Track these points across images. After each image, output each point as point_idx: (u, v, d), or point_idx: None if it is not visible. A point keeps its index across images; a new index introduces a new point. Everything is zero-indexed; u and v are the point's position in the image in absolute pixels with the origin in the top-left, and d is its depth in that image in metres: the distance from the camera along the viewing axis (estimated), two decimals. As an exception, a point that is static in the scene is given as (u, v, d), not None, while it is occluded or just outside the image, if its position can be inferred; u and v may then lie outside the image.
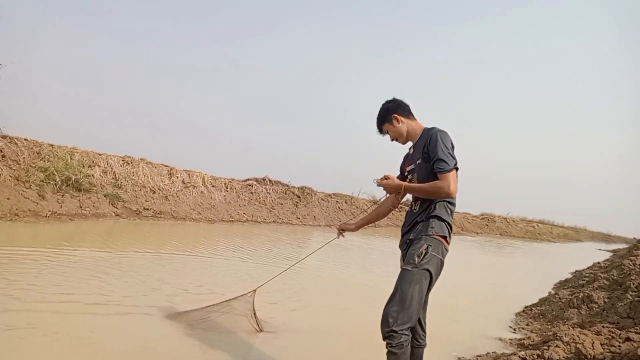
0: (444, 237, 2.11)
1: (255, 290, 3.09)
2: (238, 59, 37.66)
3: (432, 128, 2.24)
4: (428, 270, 2.05)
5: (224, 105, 34.23)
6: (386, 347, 2.01)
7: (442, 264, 2.12)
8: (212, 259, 5.76)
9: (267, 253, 6.96)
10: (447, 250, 2.14)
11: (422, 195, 2.18)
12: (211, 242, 7.41)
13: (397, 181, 2.27)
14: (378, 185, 2.30)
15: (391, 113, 2.33)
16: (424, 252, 2.05)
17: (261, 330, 3.19)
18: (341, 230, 2.66)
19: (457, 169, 2.11)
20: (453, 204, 2.19)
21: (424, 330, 2.26)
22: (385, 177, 2.30)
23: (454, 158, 2.12)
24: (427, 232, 2.10)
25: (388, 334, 2.00)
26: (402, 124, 2.33)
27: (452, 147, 2.15)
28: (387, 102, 2.37)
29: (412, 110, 2.37)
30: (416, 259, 2.05)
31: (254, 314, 3.15)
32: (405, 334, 2.00)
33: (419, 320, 2.22)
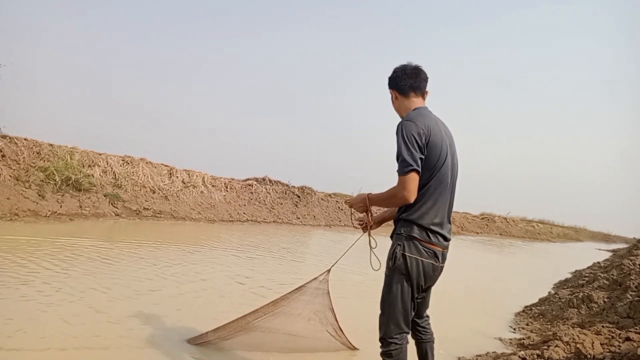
0: (418, 236, 1.90)
1: (329, 271, 2.57)
2: (240, 60, 37.68)
3: (403, 118, 1.98)
4: (402, 273, 1.90)
5: (223, 104, 34.25)
6: None
7: (424, 264, 1.90)
8: (262, 257, 5.78)
9: (301, 249, 7.00)
10: (429, 249, 1.91)
11: (384, 205, 2.03)
12: (243, 240, 7.43)
13: (362, 195, 2.10)
14: (346, 203, 2.19)
15: (390, 87, 2.12)
16: (393, 253, 1.92)
17: (356, 349, 2.87)
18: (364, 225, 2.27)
19: (417, 171, 1.84)
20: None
21: (421, 326, 2.16)
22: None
23: (414, 156, 1.83)
24: (398, 231, 1.96)
25: (380, 340, 1.99)
26: (396, 101, 2.10)
27: (417, 139, 1.85)
28: (393, 72, 2.09)
29: (419, 84, 2.05)
30: (389, 262, 1.95)
31: (339, 327, 2.71)
32: (395, 343, 1.93)
33: (416, 313, 2.11)
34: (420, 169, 1.85)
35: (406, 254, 1.89)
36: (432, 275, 1.96)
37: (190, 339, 2.78)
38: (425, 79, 2.08)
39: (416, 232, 1.90)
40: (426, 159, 1.88)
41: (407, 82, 2.04)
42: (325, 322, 2.70)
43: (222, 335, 2.63)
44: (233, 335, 2.62)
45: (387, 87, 2.15)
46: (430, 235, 1.91)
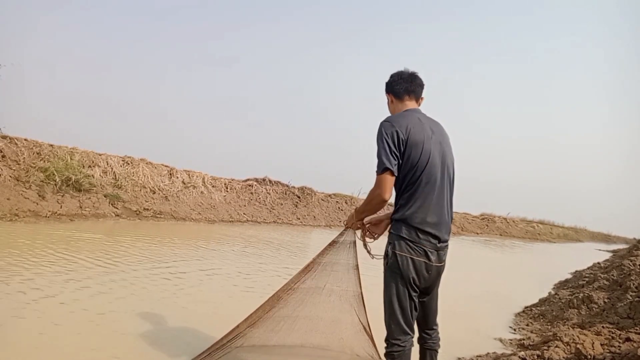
0: (407, 235, 1.90)
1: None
2: (233, 58, 37.68)
3: (383, 119, 2.02)
4: (395, 271, 1.92)
5: (222, 104, 34.27)
6: None
7: (415, 262, 1.89)
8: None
9: (313, 246, 7.03)
10: (419, 248, 1.90)
11: (369, 211, 2.07)
12: (253, 239, 7.43)
13: (351, 212, 2.18)
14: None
15: (386, 91, 2.18)
16: (385, 252, 1.96)
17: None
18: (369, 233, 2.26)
19: (390, 171, 1.86)
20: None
21: (427, 333, 2.14)
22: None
23: (388, 156, 1.87)
24: (390, 230, 2.00)
25: (384, 341, 1.99)
26: (391, 104, 2.16)
27: (391, 139, 1.89)
28: (390, 77, 2.17)
29: (414, 89, 2.11)
30: (384, 261, 1.98)
31: (361, 293, 2.51)
32: (398, 345, 1.92)
33: (423, 318, 2.10)
34: (394, 169, 1.89)
35: (397, 252, 1.91)
36: (426, 274, 1.93)
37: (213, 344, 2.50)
38: (421, 85, 2.14)
39: (404, 232, 1.92)
40: (409, 158, 1.91)
41: (402, 86, 2.10)
42: (347, 295, 2.56)
43: (252, 322, 2.45)
44: (260, 324, 2.46)
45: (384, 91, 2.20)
46: (420, 234, 1.91)
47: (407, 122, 1.95)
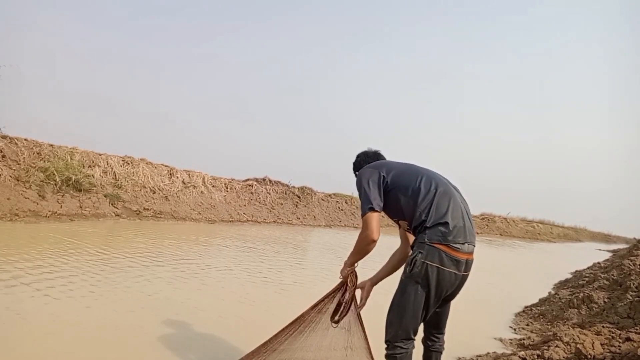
0: (440, 243, 1.85)
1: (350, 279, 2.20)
2: (232, 58, 37.67)
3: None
4: (418, 281, 1.86)
5: (222, 104, 34.26)
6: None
7: (445, 273, 1.85)
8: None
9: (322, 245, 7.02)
10: (452, 257, 1.85)
11: (359, 254, 2.07)
12: (261, 238, 7.44)
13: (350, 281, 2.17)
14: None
15: (354, 170, 2.33)
16: (413, 260, 1.88)
17: None
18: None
19: (373, 209, 1.94)
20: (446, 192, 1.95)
21: (436, 336, 2.15)
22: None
23: (372, 195, 1.97)
24: (420, 239, 1.91)
25: (385, 342, 1.97)
26: None
27: (372, 177, 2.02)
28: (356, 157, 2.37)
29: (382, 154, 2.32)
30: (407, 268, 1.91)
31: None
32: (401, 347, 1.91)
33: (431, 322, 2.09)
34: (378, 207, 1.97)
35: (427, 261, 1.84)
36: (453, 283, 1.91)
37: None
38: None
39: (440, 235, 1.85)
40: (403, 179, 2.01)
41: (369, 161, 2.28)
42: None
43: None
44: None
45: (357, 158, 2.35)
46: (455, 239, 1.86)
47: (379, 161, 2.25)
